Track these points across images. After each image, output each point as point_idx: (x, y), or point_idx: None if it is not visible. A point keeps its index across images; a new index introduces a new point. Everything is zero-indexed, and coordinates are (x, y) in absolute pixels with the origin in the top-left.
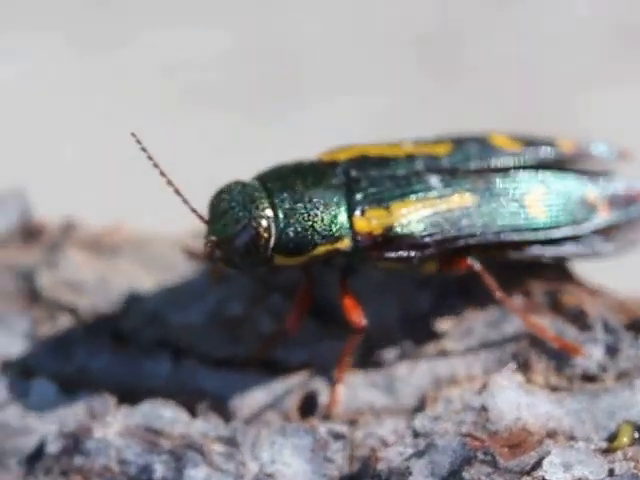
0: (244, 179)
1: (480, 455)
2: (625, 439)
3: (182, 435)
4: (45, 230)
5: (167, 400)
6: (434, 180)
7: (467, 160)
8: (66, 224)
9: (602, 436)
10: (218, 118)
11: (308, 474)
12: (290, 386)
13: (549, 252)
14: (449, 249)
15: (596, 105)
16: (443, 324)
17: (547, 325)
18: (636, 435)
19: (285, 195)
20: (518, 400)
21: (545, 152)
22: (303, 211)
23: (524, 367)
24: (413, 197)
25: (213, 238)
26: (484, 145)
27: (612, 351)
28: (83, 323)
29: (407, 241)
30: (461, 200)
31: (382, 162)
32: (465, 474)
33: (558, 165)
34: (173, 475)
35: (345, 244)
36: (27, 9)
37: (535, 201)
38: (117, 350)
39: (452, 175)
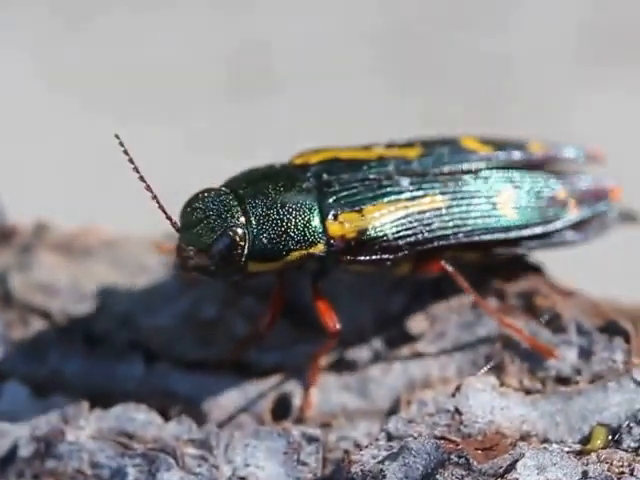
0: (214, 186)
1: (454, 458)
2: (599, 441)
3: (155, 438)
4: (17, 232)
5: (140, 403)
6: (405, 182)
7: (438, 163)
8: (38, 226)
9: (576, 438)
10: (184, 117)
11: (281, 477)
12: (263, 389)
13: (520, 250)
14: (422, 251)
15: (578, 107)
16: (417, 326)
17: (521, 328)
18: (610, 437)
19: (257, 201)
20: (492, 403)
21: (515, 154)
22: (276, 217)
23: (498, 370)
24: (385, 200)
25: (188, 248)
26: (455, 148)
27: (586, 354)
28: (55, 326)
29: (380, 244)
30: (432, 202)
31: (353, 165)
32: (439, 477)
33: (528, 166)
34: (146, 478)
35: (319, 249)
36: None
37: (506, 201)
38: (90, 353)
39: (423, 177)
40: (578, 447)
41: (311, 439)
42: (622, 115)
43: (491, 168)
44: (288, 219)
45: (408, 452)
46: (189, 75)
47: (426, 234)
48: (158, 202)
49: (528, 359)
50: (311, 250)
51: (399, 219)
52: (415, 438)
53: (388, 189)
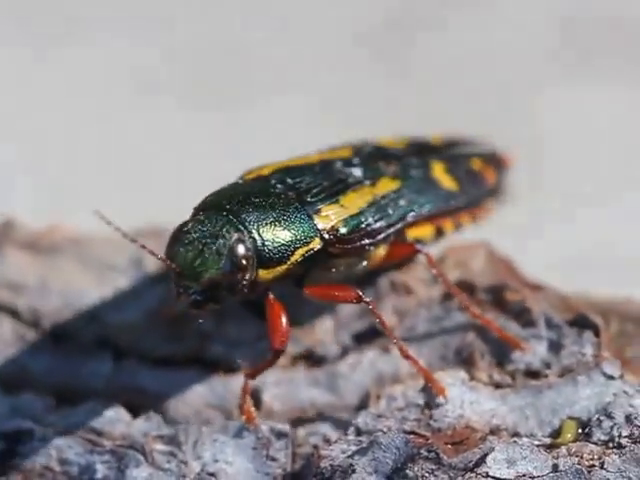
0: (188, 215)
1: (424, 452)
2: (569, 435)
3: (123, 435)
4: None
5: (108, 400)
6: (358, 173)
7: (369, 158)
8: (5, 224)
9: (546, 432)
10: (167, 117)
11: (251, 472)
12: (231, 385)
13: (463, 223)
14: (394, 232)
15: (549, 103)
16: (386, 321)
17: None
18: (580, 431)
19: (247, 214)
20: (462, 397)
21: (428, 142)
22: (271, 224)
23: (467, 364)
24: (352, 188)
25: (195, 284)
26: (376, 146)
27: (555, 347)
28: (23, 323)
29: (364, 229)
30: (390, 185)
31: (307, 168)
32: (409, 471)
33: (441, 152)
34: (115, 475)
35: (316, 242)
36: None
37: (441, 175)
38: (57, 350)
39: (369, 168)
40: (548, 441)
41: (280, 434)
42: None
43: (415, 154)
44: (283, 222)
45: (378, 447)
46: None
47: (393, 213)
48: (151, 251)
49: (497, 353)
50: (310, 245)
51: (370, 204)
52: (384, 433)
53: (349, 180)
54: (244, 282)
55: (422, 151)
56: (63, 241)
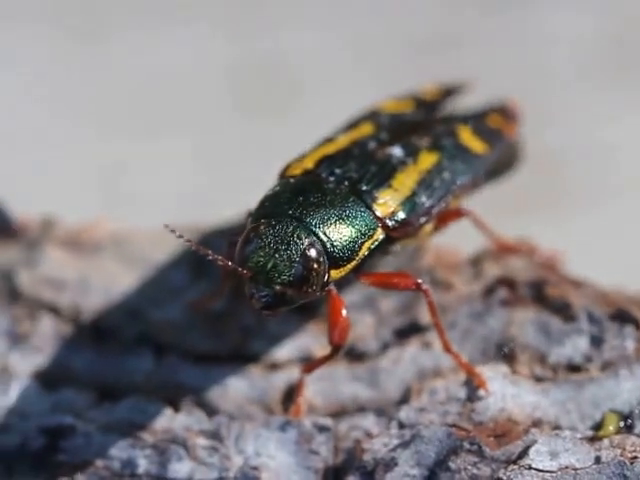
0: (258, 224)
1: (466, 445)
2: (611, 427)
3: (165, 429)
4: (24, 229)
5: (149, 395)
6: (397, 151)
7: (396, 131)
8: (45, 222)
9: (588, 425)
10: (217, 129)
11: (293, 466)
12: (273, 380)
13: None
14: (443, 205)
15: (587, 116)
16: (426, 317)
17: (532, 317)
18: (621, 424)
19: (312, 216)
20: (503, 391)
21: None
22: (335, 222)
23: (509, 358)
24: (399, 169)
25: (274, 287)
26: (389, 114)
27: (597, 341)
28: (64, 320)
29: (419, 209)
30: (429, 158)
31: (346, 154)
32: (451, 464)
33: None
34: (157, 469)
35: (379, 233)
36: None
37: (471, 140)
38: (98, 347)
39: (406, 143)
40: (590, 433)
41: (322, 429)
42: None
43: (434, 118)
44: (347, 219)
45: (420, 440)
46: (195, 89)
47: (440, 186)
48: (222, 260)
49: (539, 348)
50: (375, 237)
51: (418, 182)
52: (427, 426)
53: (393, 162)
54: (316, 285)
55: (440, 113)
56: (103, 238)
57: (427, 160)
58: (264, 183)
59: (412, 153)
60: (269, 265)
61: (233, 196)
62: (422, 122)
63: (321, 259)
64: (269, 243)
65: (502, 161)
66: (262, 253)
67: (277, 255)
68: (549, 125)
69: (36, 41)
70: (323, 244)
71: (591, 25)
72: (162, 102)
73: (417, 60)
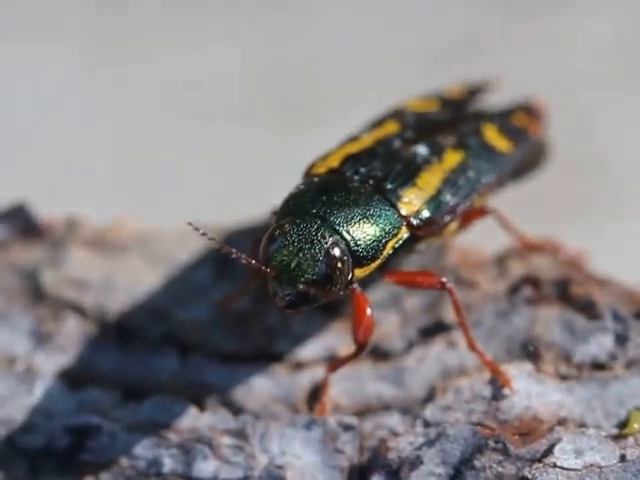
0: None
1: (491, 443)
2: (636, 425)
3: (190, 429)
4: (48, 229)
5: (174, 395)
6: (422, 150)
7: (421, 130)
8: (69, 222)
9: (612, 423)
10: (236, 134)
11: (318, 465)
12: (298, 379)
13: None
14: (467, 204)
15: (612, 123)
16: (451, 316)
17: (557, 316)
18: None
19: (336, 215)
20: (528, 389)
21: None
22: (360, 221)
23: (533, 356)
24: (424, 168)
25: (298, 286)
26: (414, 112)
27: (621, 340)
28: (88, 320)
29: (444, 208)
30: (454, 157)
31: (370, 153)
32: (476, 462)
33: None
34: (182, 468)
35: (403, 231)
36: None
37: (496, 139)
38: (123, 347)
39: (431, 142)
40: (615, 431)
41: (347, 427)
42: None
43: (459, 117)
44: (371, 218)
45: (445, 438)
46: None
47: (465, 185)
48: (246, 259)
49: (563, 346)
50: (399, 236)
51: (444, 181)
52: (452, 424)
53: (418, 160)
54: (340, 284)
55: (465, 112)
56: (128, 238)
57: (452, 159)
58: (287, 187)
59: (437, 152)
60: (293, 264)
61: (257, 197)
62: (447, 121)
63: (345, 258)
64: (293, 242)
65: (528, 159)
66: (286, 252)
67: (301, 254)
68: (576, 129)
69: (58, 38)
70: (347, 243)
71: (621, 29)
72: (188, 100)
73: (440, 67)
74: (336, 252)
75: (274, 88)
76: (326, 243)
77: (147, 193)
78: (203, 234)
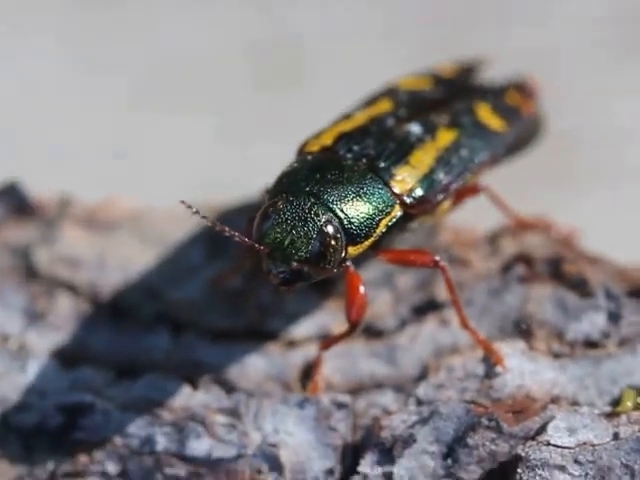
0: (277, 199)
1: (484, 421)
2: (629, 403)
3: (183, 407)
4: (41, 207)
5: (168, 373)
6: (416, 128)
7: (415, 108)
8: (61, 201)
9: (606, 401)
10: (236, 106)
11: (312, 443)
12: (291, 357)
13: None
14: (461, 182)
15: (597, 98)
16: (443, 294)
17: (549, 294)
18: (639, 400)
19: (329, 193)
20: (521, 367)
21: (449, 77)
22: (353, 199)
23: (526, 334)
24: (418, 147)
25: (292, 263)
26: (408, 90)
27: (614, 317)
28: (82, 299)
29: (437, 186)
30: (448, 136)
31: (364, 131)
32: (469, 440)
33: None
34: (175, 447)
35: (397, 209)
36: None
37: (489, 117)
38: (116, 325)
39: (424, 121)
40: (608, 409)
41: (341, 405)
42: None
43: (452, 96)
44: (364, 196)
45: (438, 416)
46: (216, 66)
47: (458, 163)
48: (239, 237)
49: (556, 324)
50: (392, 214)
51: (437, 159)
52: (445, 403)
53: (411, 139)
54: (333, 262)
55: (459, 91)
56: (120, 216)
57: (445, 137)
58: (282, 161)
59: (430, 130)
60: (286, 242)
61: (252, 174)
62: (440, 99)
63: (338, 235)
64: (286, 220)
65: (521, 137)
66: (279, 229)
67: (294, 232)
68: (563, 105)
69: (52, 9)
70: (340, 221)
71: (606, 3)
72: (180, 80)
73: (432, 41)
74: (329, 230)
75: (270, 58)
76: (319, 221)
77: (136, 173)
78: (196, 212)
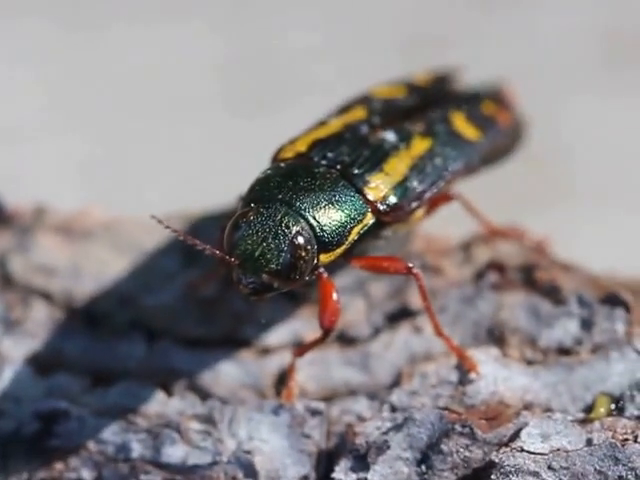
0: (248, 209)
1: (458, 427)
2: (602, 410)
3: (158, 414)
4: (16, 216)
5: (143, 380)
6: (391, 136)
7: (389, 116)
8: (37, 210)
9: (579, 407)
10: (202, 121)
11: (286, 450)
12: (265, 364)
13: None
14: (434, 190)
15: (579, 114)
16: (417, 302)
17: (522, 301)
18: (612, 406)
19: (301, 201)
20: (494, 374)
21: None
22: (325, 207)
23: (499, 341)
24: (392, 154)
25: (255, 277)
26: (382, 99)
27: (587, 324)
28: (56, 306)
29: (411, 194)
30: (422, 144)
31: (338, 138)
32: (443, 446)
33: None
34: (151, 453)
35: (369, 217)
36: None
37: (464, 127)
38: (91, 333)
39: (399, 129)
40: (581, 416)
41: (315, 412)
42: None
43: (427, 104)
44: (336, 204)
45: (412, 423)
46: (185, 86)
47: (432, 172)
48: (210, 249)
49: (529, 331)
50: (365, 221)
51: (411, 167)
52: (419, 409)
53: (386, 147)
54: (304, 272)
55: (433, 100)
56: (95, 225)
57: (420, 146)
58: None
59: (405, 138)
60: (257, 253)
61: (223, 184)
62: (415, 108)
63: (309, 247)
64: (257, 231)
65: (497, 147)
66: (250, 241)
67: (265, 244)
68: (546, 119)
69: (27, 33)
70: (312, 228)
71: (586, 19)
72: (153, 94)
73: (405, 60)
74: (300, 241)
75: (244, 79)
76: (290, 232)
77: (116, 179)
78: (167, 227)
